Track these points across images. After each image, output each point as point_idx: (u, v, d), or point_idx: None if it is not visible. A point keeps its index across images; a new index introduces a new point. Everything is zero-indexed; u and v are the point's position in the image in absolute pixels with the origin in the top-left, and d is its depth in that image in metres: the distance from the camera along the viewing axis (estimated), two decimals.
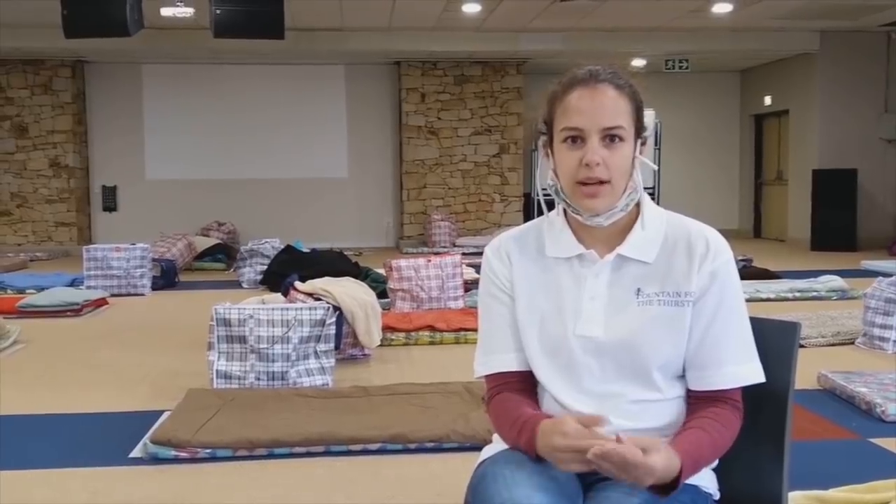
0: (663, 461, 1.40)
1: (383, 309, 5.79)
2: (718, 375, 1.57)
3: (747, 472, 1.68)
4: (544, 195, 1.69)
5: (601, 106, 1.54)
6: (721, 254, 1.59)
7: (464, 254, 8.42)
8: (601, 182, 1.54)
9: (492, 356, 1.68)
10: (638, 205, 1.63)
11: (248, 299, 5.08)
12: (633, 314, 1.57)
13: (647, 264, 1.60)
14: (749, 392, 1.60)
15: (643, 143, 1.61)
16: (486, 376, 1.69)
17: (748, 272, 8.62)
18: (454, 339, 5.79)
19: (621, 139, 1.55)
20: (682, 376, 1.62)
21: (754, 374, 1.59)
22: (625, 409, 1.57)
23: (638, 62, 13.33)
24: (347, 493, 3.08)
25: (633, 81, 1.59)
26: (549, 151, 1.63)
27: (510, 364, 1.65)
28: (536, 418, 1.53)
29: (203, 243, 11.16)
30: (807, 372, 4.48)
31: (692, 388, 1.60)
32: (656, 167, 1.90)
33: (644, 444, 1.40)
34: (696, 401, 1.60)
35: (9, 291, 8.27)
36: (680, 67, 13.23)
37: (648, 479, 1.39)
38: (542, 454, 1.48)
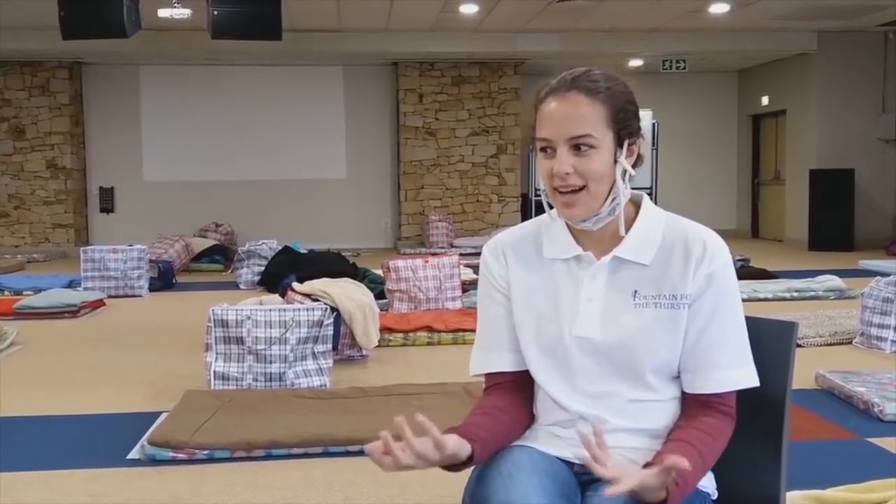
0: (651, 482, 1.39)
1: (381, 310, 5.79)
2: (712, 379, 1.57)
3: (745, 471, 1.68)
4: (544, 197, 1.69)
5: (568, 115, 1.53)
6: (718, 256, 1.58)
7: (461, 254, 8.42)
8: (575, 190, 1.54)
9: (487, 355, 1.68)
10: (637, 206, 1.63)
11: (245, 300, 5.08)
12: (630, 316, 1.57)
13: (645, 266, 1.59)
14: (746, 392, 1.60)
15: (632, 145, 1.58)
16: (481, 375, 1.70)
17: (746, 272, 8.63)
18: (452, 339, 5.79)
19: (591, 147, 1.53)
20: (678, 377, 1.62)
21: (748, 378, 1.58)
22: (620, 409, 1.57)
23: (635, 62, 13.36)
24: (345, 494, 3.08)
25: (616, 83, 1.57)
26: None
27: (504, 364, 1.66)
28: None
29: (200, 244, 11.16)
30: (804, 372, 4.47)
31: (686, 390, 1.60)
32: (633, 173, 1.86)
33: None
34: (689, 403, 1.60)
35: (6, 293, 8.26)
36: (677, 68, 13.25)
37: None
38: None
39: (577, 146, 1.53)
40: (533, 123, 1.62)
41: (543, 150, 1.57)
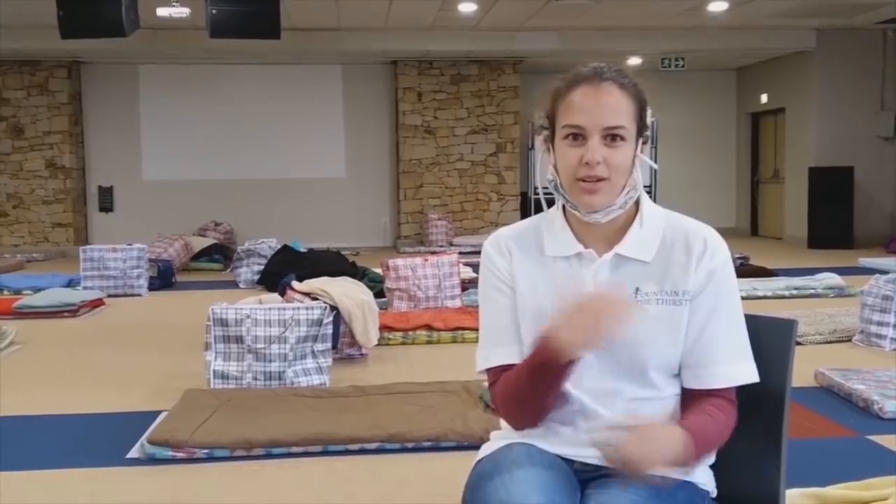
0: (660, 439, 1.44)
1: (380, 308, 5.78)
2: (712, 375, 1.57)
3: (745, 469, 1.68)
4: (544, 192, 1.69)
5: (604, 105, 1.55)
6: (719, 253, 1.59)
7: (461, 253, 8.42)
8: (600, 179, 1.55)
9: (494, 349, 1.66)
10: (637, 203, 1.63)
11: (245, 299, 5.07)
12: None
13: (646, 263, 1.60)
14: (746, 390, 1.60)
15: (645, 143, 1.61)
16: (489, 370, 1.68)
17: (745, 270, 8.63)
18: (451, 338, 5.79)
19: (622, 139, 1.55)
20: (679, 375, 1.62)
21: (748, 374, 1.59)
22: (622, 407, 1.57)
23: (634, 61, 13.34)
24: (345, 493, 3.08)
25: (637, 80, 1.60)
26: (550, 147, 1.63)
27: (513, 356, 1.64)
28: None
29: (200, 243, 11.16)
30: (804, 369, 4.48)
31: (686, 386, 1.61)
32: (656, 166, 1.91)
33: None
34: (691, 396, 1.60)
35: (5, 292, 8.25)
36: (676, 66, 13.24)
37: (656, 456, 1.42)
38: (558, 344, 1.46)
39: (611, 136, 1.54)
40: (550, 113, 1.61)
41: (572, 137, 1.56)
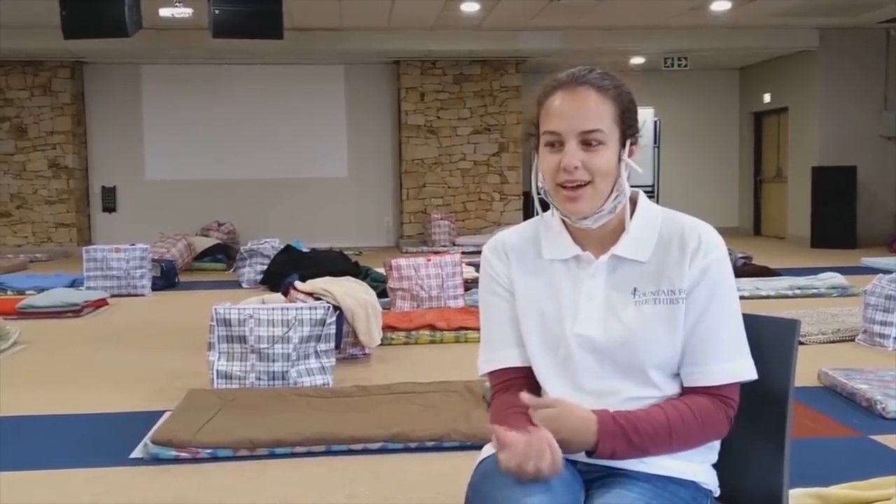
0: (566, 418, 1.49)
1: (383, 308, 5.79)
2: (709, 372, 1.57)
3: (748, 469, 1.68)
4: (538, 196, 1.69)
5: (580, 109, 1.54)
6: (714, 250, 1.58)
7: (464, 253, 8.42)
8: (581, 185, 1.55)
9: (495, 353, 1.68)
10: (633, 204, 1.63)
11: (248, 299, 5.08)
12: (630, 314, 1.58)
13: (642, 263, 1.60)
14: (749, 389, 1.60)
15: (633, 144, 1.60)
16: (490, 373, 1.69)
17: (748, 270, 8.61)
18: (454, 338, 5.79)
19: (601, 143, 1.54)
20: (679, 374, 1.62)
21: (745, 371, 1.58)
22: (622, 406, 1.57)
23: (637, 60, 13.34)
24: (348, 492, 3.08)
25: (622, 83, 1.58)
26: (536, 154, 1.63)
27: (513, 360, 1.65)
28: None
29: (203, 243, 11.17)
30: (807, 369, 4.48)
31: (685, 384, 1.60)
32: (641, 170, 1.88)
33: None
34: (689, 392, 1.60)
35: (9, 292, 8.27)
36: (679, 65, 13.23)
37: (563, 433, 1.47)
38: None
39: (586, 141, 1.54)
40: (535, 119, 1.62)
41: (550, 144, 1.57)
